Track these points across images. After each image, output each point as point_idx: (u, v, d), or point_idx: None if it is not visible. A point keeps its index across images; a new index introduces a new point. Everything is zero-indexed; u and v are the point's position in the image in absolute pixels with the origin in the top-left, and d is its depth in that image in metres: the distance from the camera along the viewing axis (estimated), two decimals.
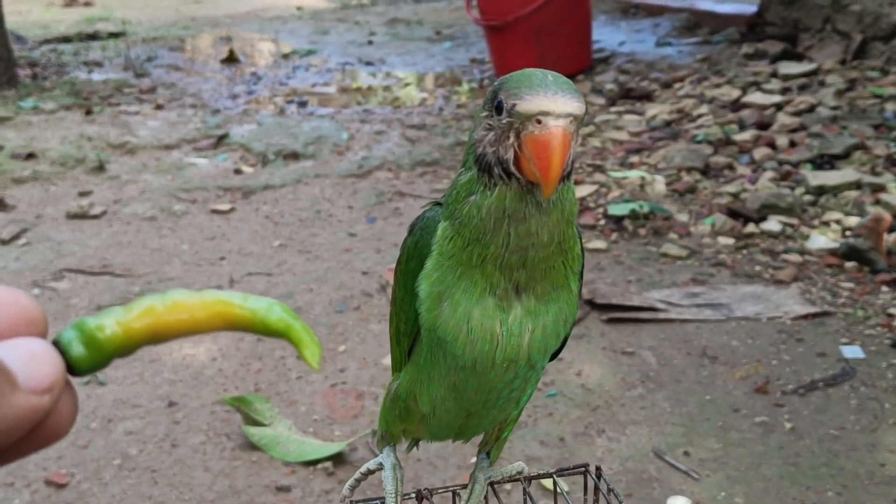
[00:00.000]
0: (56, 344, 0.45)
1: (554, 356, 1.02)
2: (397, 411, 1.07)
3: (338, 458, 2.82)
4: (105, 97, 7.74)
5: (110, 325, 0.46)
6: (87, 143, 6.29)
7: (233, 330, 0.49)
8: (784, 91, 6.16)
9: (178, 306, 0.48)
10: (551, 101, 0.80)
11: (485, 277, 0.87)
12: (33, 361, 0.41)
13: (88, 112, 7.14)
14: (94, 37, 11.09)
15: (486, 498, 1.13)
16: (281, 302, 0.50)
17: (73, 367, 0.46)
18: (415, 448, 1.21)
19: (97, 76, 8.72)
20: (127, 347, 0.47)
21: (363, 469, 1.13)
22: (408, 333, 0.99)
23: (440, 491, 1.09)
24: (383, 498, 1.08)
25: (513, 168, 0.83)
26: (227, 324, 0.49)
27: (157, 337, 0.47)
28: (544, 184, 0.80)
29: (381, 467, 1.12)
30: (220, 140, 6.48)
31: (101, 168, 5.80)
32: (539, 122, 0.80)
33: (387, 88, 8.43)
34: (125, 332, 0.46)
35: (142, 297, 0.48)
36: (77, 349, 0.45)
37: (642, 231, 4.49)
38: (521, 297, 0.89)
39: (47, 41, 10.63)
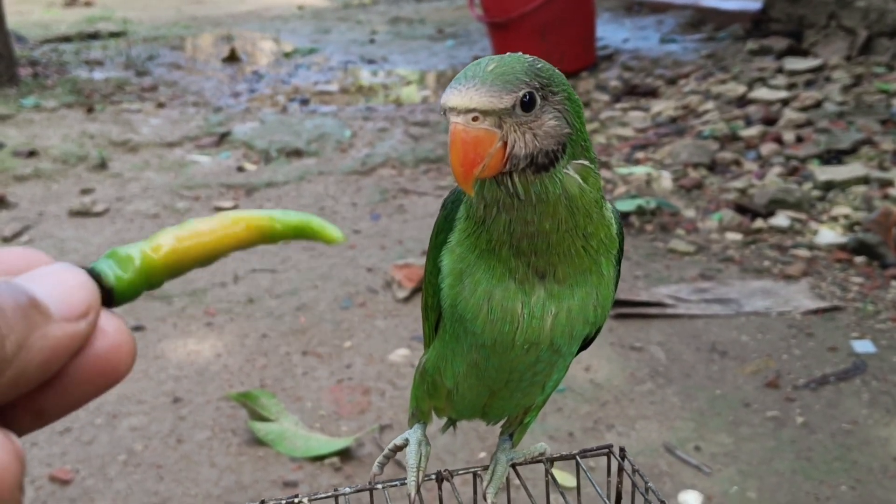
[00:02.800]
0: (89, 273, 0.44)
1: (587, 344, 0.99)
2: (425, 387, 1.06)
3: (345, 454, 2.79)
4: (106, 95, 7.71)
5: (138, 254, 0.45)
6: (89, 141, 6.26)
7: (253, 244, 0.50)
8: (790, 87, 6.13)
9: (198, 230, 0.48)
10: (456, 95, 0.76)
11: (502, 262, 0.85)
12: (64, 288, 0.40)
13: (90, 110, 7.11)
14: (94, 36, 11.07)
15: (507, 480, 1.10)
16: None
17: (108, 297, 0.44)
18: (451, 429, 1.19)
19: (98, 75, 8.69)
20: (157, 276, 0.46)
21: (391, 445, 1.11)
22: (434, 308, 0.98)
23: (461, 472, 1.06)
24: (402, 478, 1.05)
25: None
26: (248, 237, 0.50)
27: (184, 263, 0.47)
28: (457, 180, 0.77)
29: (407, 443, 1.09)
30: (223, 138, 6.45)
31: (103, 166, 5.77)
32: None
33: (389, 86, 8.41)
34: (153, 260, 0.46)
35: (165, 228, 0.48)
36: (110, 278, 0.44)
37: (649, 227, 4.46)
38: (545, 281, 0.86)
39: (48, 41, 10.61)
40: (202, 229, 0.48)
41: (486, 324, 0.88)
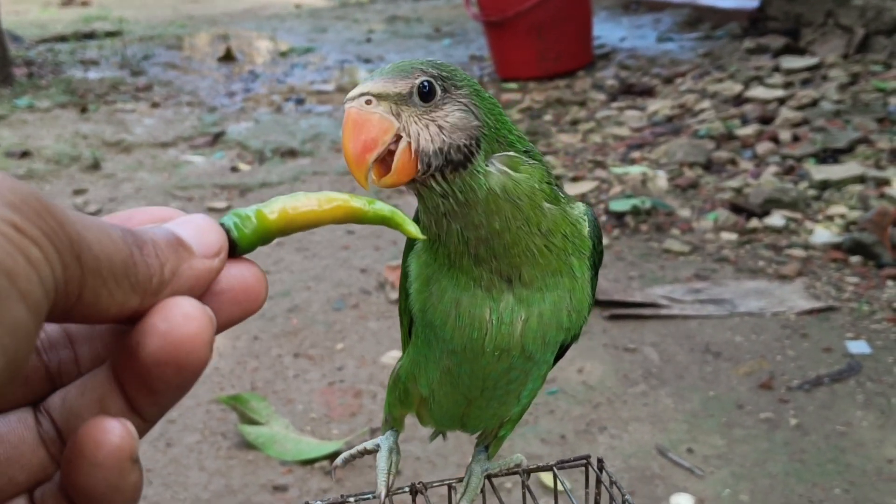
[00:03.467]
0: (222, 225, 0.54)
1: (564, 350, 0.97)
2: (397, 393, 1.04)
3: (335, 457, 2.76)
4: (101, 95, 7.69)
5: (254, 214, 0.55)
6: (83, 142, 6.24)
7: (347, 222, 0.59)
8: (787, 85, 6.11)
9: (305, 201, 0.57)
10: (357, 86, 0.77)
11: (465, 273, 0.84)
12: (201, 232, 0.49)
13: (84, 110, 7.09)
14: (90, 36, 11.05)
15: (483, 493, 1.08)
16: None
17: (232, 248, 0.53)
18: (441, 436, 1.19)
19: (93, 74, 8.67)
20: (269, 234, 0.55)
21: (361, 447, 1.10)
22: (405, 312, 0.97)
23: (435, 484, 1.04)
24: (373, 492, 1.03)
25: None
26: (344, 216, 0.58)
27: (289, 228, 0.56)
28: (349, 167, 0.76)
29: (377, 448, 1.08)
30: (217, 138, 6.43)
31: (96, 166, 5.75)
32: None
33: None
34: (267, 220, 0.55)
35: (276, 197, 0.57)
36: (233, 231, 0.53)
37: (644, 227, 4.44)
38: (512, 286, 0.84)
39: (44, 40, 10.59)
40: (308, 201, 0.57)
41: (454, 330, 0.87)
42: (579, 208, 0.89)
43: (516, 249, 0.82)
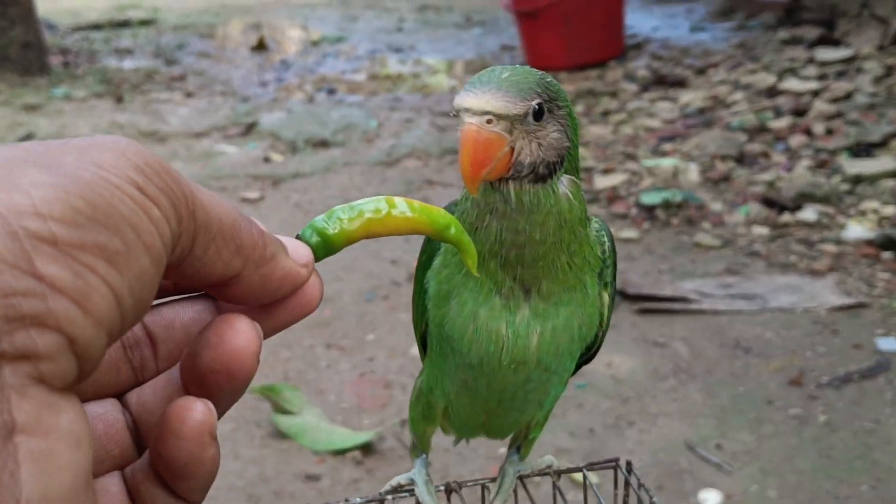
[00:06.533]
0: (298, 237, 0.58)
1: (587, 360, 1.00)
2: (421, 408, 1.07)
3: (366, 448, 2.81)
4: (136, 85, 7.78)
5: (334, 224, 0.59)
6: (118, 131, 6.33)
7: (421, 234, 0.64)
8: (821, 77, 6.05)
9: (388, 214, 0.60)
10: (473, 97, 0.78)
11: (489, 275, 0.86)
12: (294, 246, 0.55)
13: (119, 100, 7.18)
14: (125, 24, 11.16)
15: (515, 491, 1.11)
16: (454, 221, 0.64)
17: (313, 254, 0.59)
18: (463, 442, 1.21)
19: (128, 64, 8.77)
20: (348, 242, 0.59)
21: (394, 482, 1.11)
22: (419, 326, 1.01)
23: (469, 483, 1.07)
24: (412, 489, 1.07)
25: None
26: (418, 230, 0.62)
27: (366, 237, 0.60)
28: (464, 179, 0.79)
29: (410, 482, 1.10)
30: (250, 128, 6.49)
31: None
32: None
33: (416, 75, 8.39)
34: (346, 230, 0.59)
35: (356, 203, 0.61)
36: (314, 240, 0.58)
37: (675, 220, 4.43)
38: (530, 298, 0.87)
39: (79, 28, 10.71)
40: (391, 216, 0.60)
41: (471, 343, 0.90)
42: (594, 226, 0.92)
43: (543, 262, 0.85)
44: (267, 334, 0.55)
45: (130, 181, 0.41)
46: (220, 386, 0.50)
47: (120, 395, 0.55)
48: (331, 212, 0.60)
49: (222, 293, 0.51)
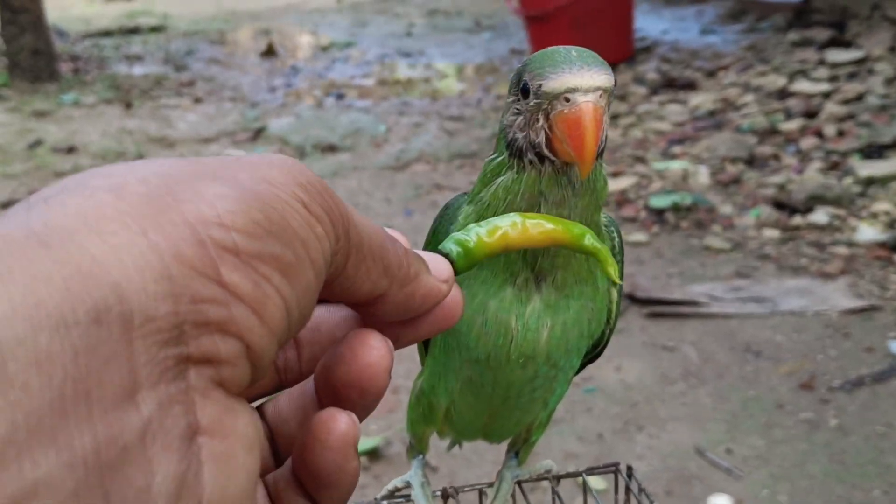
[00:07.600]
0: (440, 252, 0.60)
1: (592, 359, 0.97)
2: (421, 409, 1.03)
3: (373, 453, 2.80)
4: (145, 91, 7.80)
5: (474, 238, 0.61)
6: (128, 137, 6.34)
7: (558, 246, 0.65)
8: (832, 79, 6.01)
9: (524, 227, 0.62)
10: (577, 76, 0.75)
11: (507, 265, 0.83)
12: (435, 262, 0.56)
13: (128, 106, 7.20)
14: (135, 31, 11.21)
15: (513, 497, 1.09)
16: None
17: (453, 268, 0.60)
18: (457, 447, 1.19)
19: (138, 70, 8.79)
20: (487, 254, 0.61)
21: (391, 486, 1.09)
22: None
23: (466, 489, 1.05)
24: (408, 495, 1.05)
25: (546, 151, 0.78)
26: (554, 242, 0.64)
27: (505, 249, 0.62)
28: (580, 163, 0.75)
29: (407, 485, 1.08)
30: (259, 133, 6.50)
31: None
32: (567, 99, 0.75)
33: (426, 80, 8.39)
34: (485, 242, 0.61)
35: (491, 219, 0.63)
36: (455, 252, 0.60)
37: (684, 223, 4.40)
38: (542, 290, 0.84)
39: (89, 35, 10.76)
40: (526, 232, 0.62)
41: (480, 337, 0.86)
42: (603, 220, 0.89)
43: (564, 250, 0.82)
44: (407, 344, 0.57)
45: (297, 198, 0.43)
46: (352, 400, 0.51)
47: (261, 399, 0.57)
48: (467, 228, 0.62)
49: (367, 311, 0.53)
